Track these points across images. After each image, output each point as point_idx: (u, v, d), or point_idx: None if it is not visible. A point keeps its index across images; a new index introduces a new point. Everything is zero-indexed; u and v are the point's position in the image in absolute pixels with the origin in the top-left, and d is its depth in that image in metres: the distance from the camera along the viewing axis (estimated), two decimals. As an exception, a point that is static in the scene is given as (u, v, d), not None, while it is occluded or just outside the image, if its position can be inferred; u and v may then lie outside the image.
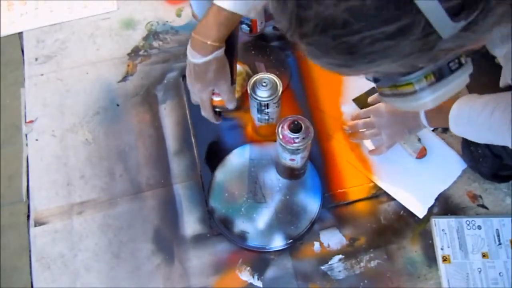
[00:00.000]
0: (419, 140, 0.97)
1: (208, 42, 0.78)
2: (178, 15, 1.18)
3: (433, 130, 1.01)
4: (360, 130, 0.97)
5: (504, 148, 0.86)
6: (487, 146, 0.89)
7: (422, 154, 0.96)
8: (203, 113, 0.91)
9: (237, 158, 0.97)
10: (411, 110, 0.66)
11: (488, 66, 0.83)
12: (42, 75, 1.10)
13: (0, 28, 1.16)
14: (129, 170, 0.99)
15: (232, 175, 0.96)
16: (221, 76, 0.84)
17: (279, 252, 0.90)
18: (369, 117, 0.95)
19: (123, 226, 0.93)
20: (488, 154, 0.90)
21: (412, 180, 0.96)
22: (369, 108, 0.97)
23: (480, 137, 0.78)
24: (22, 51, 1.14)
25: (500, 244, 0.89)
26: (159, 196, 0.96)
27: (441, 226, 0.91)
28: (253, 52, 1.10)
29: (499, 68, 0.79)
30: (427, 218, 0.92)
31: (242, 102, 0.98)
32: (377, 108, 0.94)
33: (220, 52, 0.80)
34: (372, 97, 0.98)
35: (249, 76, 0.98)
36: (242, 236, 0.90)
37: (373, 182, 0.96)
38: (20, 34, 1.16)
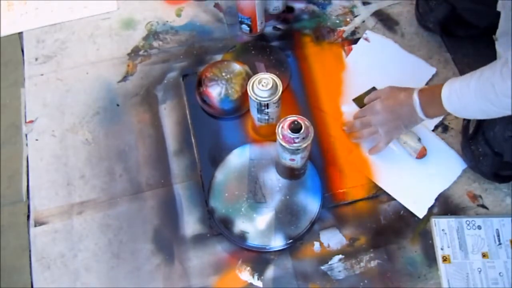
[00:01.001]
0: (419, 140, 0.97)
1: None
2: (178, 15, 1.18)
3: (433, 130, 1.01)
4: (358, 129, 0.97)
5: (505, 143, 0.86)
6: (488, 144, 0.89)
7: (422, 154, 0.96)
8: None
9: (237, 158, 0.97)
10: None
11: (484, 53, 0.84)
12: (42, 75, 1.10)
13: (0, 28, 1.16)
14: (129, 170, 0.99)
15: (232, 175, 0.96)
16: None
17: (279, 252, 0.90)
18: (365, 116, 0.96)
19: (123, 226, 0.93)
20: (488, 152, 0.90)
21: (412, 180, 0.96)
22: (364, 107, 0.97)
23: (475, 108, 0.78)
24: (22, 51, 1.14)
25: (500, 244, 0.89)
26: (159, 196, 0.96)
27: (441, 226, 0.91)
28: (253, 52, 1.11)
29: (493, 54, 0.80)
30: (427, 218, 0.92)
31: (242, 102, 0.98)
32: (372, 107, 0.94)
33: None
34: (368, 97, 0.98)
35: (249, 76, 0.98)
36: (242, 236, 0.90)
37: (373, 182, 0.96)
38: (20, 34, 1.16)
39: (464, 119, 0.98)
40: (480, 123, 0.92)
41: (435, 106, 0.83)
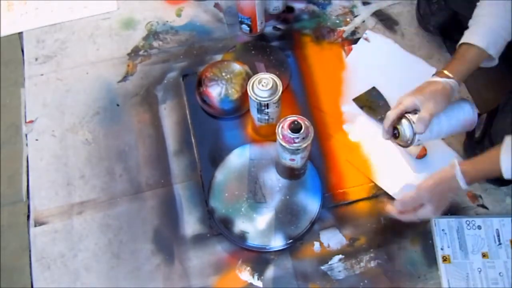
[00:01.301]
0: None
1: (445, 71, 0.82)
2: (178, 15, 1.18)
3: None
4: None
5: None
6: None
7: (422, 154, 0.96)
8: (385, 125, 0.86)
9: (237, 158, 0.97)
10: None
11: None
12: (42, 75, 1.10)
13: (0, 28, 1.16)
14: (129, 170, 0.99)
15: (232, 175, 0.96)
16: (433, 97, 0.81)
17: (279, 252, 0.90)
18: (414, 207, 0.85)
19: (123, 226, 0.93)
20: None
21: (412, 180, 0.96)
22: (408, 202, 0.84)
23: None
24: (22, 51, 1.14)
25: (500, 244, 0.89)
26: (159, 196, 0.96)
27: (441, 226, 0.91)
28: (253, 52, 1.11)
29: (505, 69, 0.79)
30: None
31: (242, 102, 0.98)
32: (416, 202, 0.83)
33: (450, 81, 0.82)
34: (404, 202, 0.85)
35: (249, 76, 0.98)
36: (242, 236, 0.90)
37: (373, 182, 0.96)
38: (20, 34, 1.16)
39: None
40: (487, 128, 0.91)
41: (486, 177, 0.79)
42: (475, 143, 0.93)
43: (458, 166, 0.78)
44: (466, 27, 0.87)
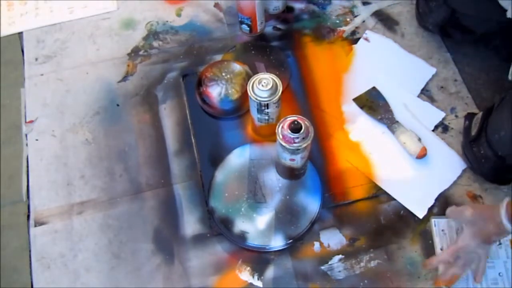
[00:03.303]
0: (419, 140, 0.97)
1: None
2: (178, 15, 1.18)
3: (433, 130, 1.01)
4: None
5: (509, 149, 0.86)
6: (490, 146, 0.89)
7: (422, 154, 0.96)
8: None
9: (237, 158, 0.97)
10: None
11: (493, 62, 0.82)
12: (42, 75, 1.10)
13: (0, 28, 1.16)
14: (129, 170, 0.99)
15: (232, 175, 0.96)
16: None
17: (279, 252, 0.90)
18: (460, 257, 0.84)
19: (123, 226, 0.94)
20: (490, 155, 0.89)
21: (412, 180, 0.96)
22: (454, 249, 0.83)
23: None
24: (22, 51, 1.14)
25: (500, 244, 0.89)
26: (159, 196, 0.96)
27: (441, 226, 0.91)
28: (253, 52, 1.11)
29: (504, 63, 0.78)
30: (427, 218, 0.92)
31: (242, 102, 0.98)
32: (464, 248, 0.82)
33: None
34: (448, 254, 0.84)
35: (249, 76, 0.98)
36: (242, 236, 0.90)
37: (373, 182, 0.96)
38: (20, 34, 1.16)
39: (465, 120, 0.98)
40: (483, 125, 0.91)
41: None
42: (471, 140, 0.93)
43: (504, 217, 0.75)
44: (464, 26, 0.87)
